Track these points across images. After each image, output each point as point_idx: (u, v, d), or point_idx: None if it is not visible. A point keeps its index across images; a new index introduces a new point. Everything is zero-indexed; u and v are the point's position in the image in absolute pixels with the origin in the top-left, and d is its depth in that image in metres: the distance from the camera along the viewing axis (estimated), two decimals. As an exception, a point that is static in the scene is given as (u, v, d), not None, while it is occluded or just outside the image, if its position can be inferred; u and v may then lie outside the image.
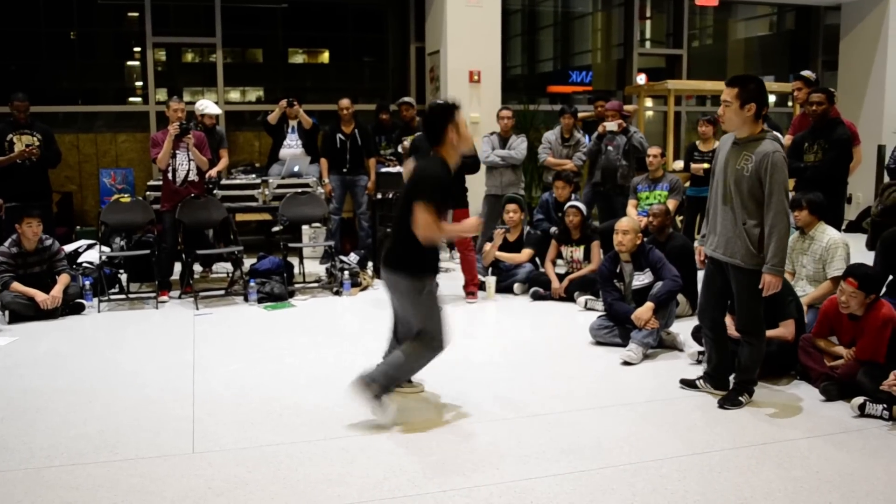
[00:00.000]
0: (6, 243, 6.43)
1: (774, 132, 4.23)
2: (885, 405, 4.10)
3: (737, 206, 4.12)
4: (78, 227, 9.20)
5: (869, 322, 4.36)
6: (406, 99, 9.23)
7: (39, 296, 6.26)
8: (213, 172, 7.86)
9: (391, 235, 4.38)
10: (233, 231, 7.35)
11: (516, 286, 7.26)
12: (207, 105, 8.11)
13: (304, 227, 8.88)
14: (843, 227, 6.29)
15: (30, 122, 7.35)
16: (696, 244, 4.67)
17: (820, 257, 5.39)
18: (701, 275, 4.63)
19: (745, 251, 4.12)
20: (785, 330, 4.72)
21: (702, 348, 5.00)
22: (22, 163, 7.17)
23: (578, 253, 7.07)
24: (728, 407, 4.30)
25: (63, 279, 6.50)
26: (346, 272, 7.34)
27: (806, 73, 6.97)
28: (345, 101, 8.58)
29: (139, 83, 10.56)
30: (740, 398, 4.34)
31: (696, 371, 4.81)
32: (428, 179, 4.08)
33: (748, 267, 4.13)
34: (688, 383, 4.67)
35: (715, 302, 4.42)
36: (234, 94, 11.23)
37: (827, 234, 5.43)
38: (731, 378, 4.50)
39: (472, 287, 7.00)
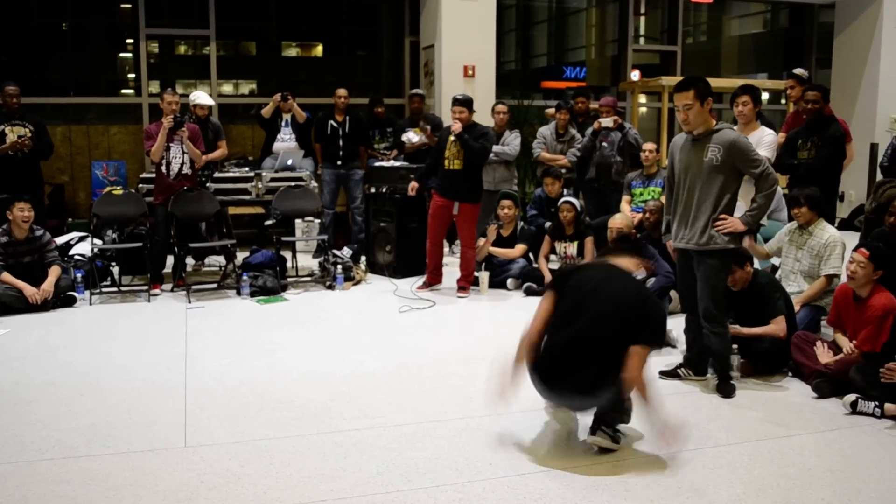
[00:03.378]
0: (-3, 233, 6.39)
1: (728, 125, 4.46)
2: (876, 403, 4.11)
3: (710, 197, 4.29)
4: (70, 220, 9.15)
5: (870, 311, 4.42)
6: (418, 91, 9.20)
7: (28, 290, 6.22)
8: (212, 156, 7.88)
9: (582, 355, 3.55)
10: (227, 224, 7.33)
11: (510, 281, 7.26)
12: (199, 95, 8.08)
13: (297, 221, 8.85)
14: (836, 224, 6.30)
15: (21, 114, 7.30)
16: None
17: (817, 253, 5.39)
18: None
19: (719, 235, 4.29)
20: (776, 326, 4.73)
21: None
22: (14, 154, 7.12)
23: (572, 248, 7.07)
24: (732, 395, 4.43)
25: (54, 271, 6.46)
26: (340, 266, 7.32)
27: (798, 70, 6.99)
28: (342, 91, 8.67)
29: (132, 75, 10.51)
30: (732, 382, 4.48)
31: (677, 363, 4.85)
32: (661, 320, 3.72)
33: (728, 247, 4.30)
34: (668, 373, 4.74)
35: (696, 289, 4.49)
36: (228, 87, 11.20)
37: (827, 231, 5.44)
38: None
39: (465, 283, 7.00)
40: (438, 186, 7.01)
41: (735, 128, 4.82)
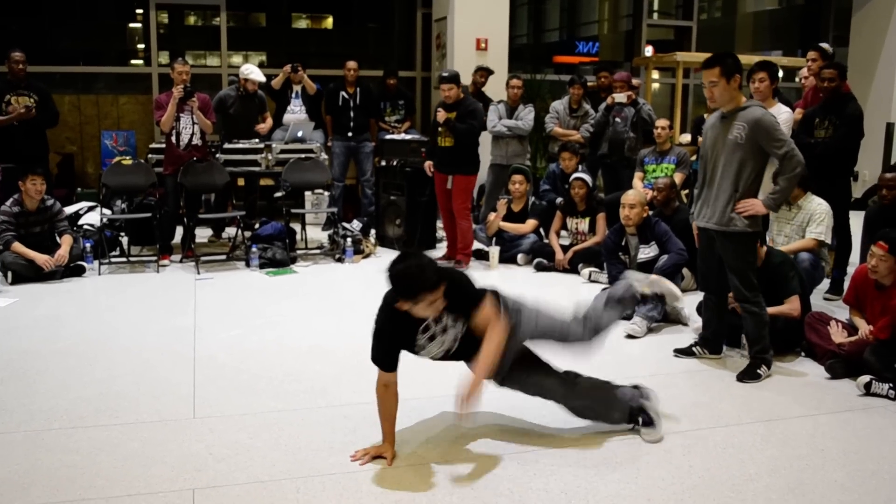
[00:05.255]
0: (7, 203, 6.37)
1: (754, 100, 4.36)
2: (891, 384, 4.06)
3: (731, 175, 4.20)
4: (79, 189, 9.13)
5: (894, 300, 4.31)
6: (485, 66, 8.93)
7: (40, 258, 6.22)
8: (262, 129, 8.08)
9: None
10: (255, 192, 7.38)
11: (520, 257, 7.22)
12: (252, 70, 7.90)
13: (307, 193, 8.82)
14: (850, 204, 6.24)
15: (27, 82, 7.22)
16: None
17: (801, 221, 5.62)
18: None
19: (739, 218, 4.19)
20: (790, 306, 4.67)
21: None
22: (18, 124, 7.05)
23: (583, 225, 7.01)
24: (747, 381, 4.30)
25: (67, 239, 6.45)
26: (349, 239, 7.29)
27: (824, 45, 6.85)
28: (352, 63, 8.62)
29: (141, 45, 10.44)
30: (758, 371, 4.34)
31: (689, 341, 4.83)
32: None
33: (748, 230, 4.19)
34: (683, 351, 4.71)
35: (717, 269, 4.43)
36: (237, 59, 11.11)
37: (814, 201, 5.64)
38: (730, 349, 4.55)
39: (462, 255, 6.96)
40: (435, 161, 6.98)
41: None
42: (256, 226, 7.44)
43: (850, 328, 4.61)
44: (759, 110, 4.15)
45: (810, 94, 6.74)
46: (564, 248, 6.98)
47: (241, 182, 8.10)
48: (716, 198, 4.26)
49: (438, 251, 7.47)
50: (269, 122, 8.23)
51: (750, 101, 4.22)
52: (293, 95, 8.64)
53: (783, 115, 5.62)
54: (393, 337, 3.21)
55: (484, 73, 8.71)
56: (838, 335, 4.54)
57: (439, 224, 7.73)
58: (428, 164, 7.12)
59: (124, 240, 7.45)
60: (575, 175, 7.11)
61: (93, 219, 7.38)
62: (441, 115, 6.72)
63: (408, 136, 8.38)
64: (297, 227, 7.67)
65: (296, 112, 8.59)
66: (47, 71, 9.28)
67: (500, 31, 9.76)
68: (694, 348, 4.69)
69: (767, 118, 4.13)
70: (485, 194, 8.51)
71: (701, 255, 4.55)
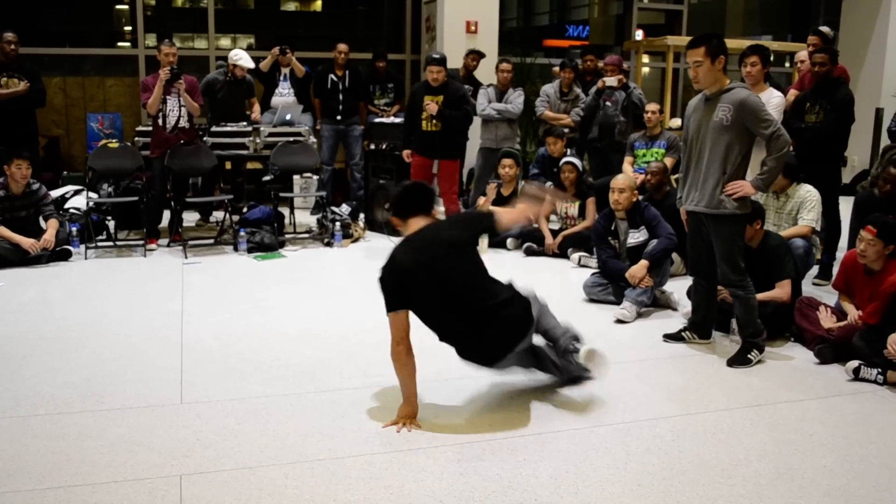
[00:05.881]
0: (-8, 186, 6.31)
1: (742, 82, 4.32)
2: (879, 370, 4.07)
3: (717, 158, 4.17)
4: (65, 173, 9.05)
5: (883, 286, 4.29)
6: (477, 49, 8.86)
7: (26, 241, 6.16)
8: (257, 116, 8.05)
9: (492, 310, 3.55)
10: (243, 176, 7.38)
11: (509, 241, 7.20)
12: (242, 56, 7.80)
13: (296, 177, 8.77)
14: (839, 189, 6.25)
15: (18, 64, 7.16)
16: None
17: (791, 210, 5.68)
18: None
19: (729, 200, 4.16)
20: (781, 291, 4.68)
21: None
22: (9, 105, 6.98)
23: (573, 209, 7.00)
24: (736, 366, 4.30)
25: (53, 223, 6.40)
26: (338, 223, 7.25)
27: (824, 28, 6.82)
28: (342, 46, 8.54)
29: (128, 28, 10.33)
30: (749, 356, 4.33)
31: (678, 326, 4.84)
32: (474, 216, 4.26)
33: (737, 213, 4.18)
34: (673, 336, 4.72)
35: (707, 253, 4.41)
36: (225, 41, 11.02)
37: (803, 188, 5.71)
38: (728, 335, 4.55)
39: None
40: (417, 146, 6.91)
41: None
42: (244, 210, 7.40)
43: (840, 313, 4.62)
44: (743, 91, 4.14)
45: (808, 78, 6.71)
46: (554, 233, 6.97)
47: (228, 165, 8.05)
48: (704, 181, 4.24)
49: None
50: (257, 108, 8.16)
51: (734, 83, 4.21)
52: (281, 78, 8.57)
53: (774, 100, 5.59)
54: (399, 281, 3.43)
55: (476, 56, 8.65)
56: (827, 320, 4.55)
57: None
58: (407, 151, 7.05)
59: (111, 224, 7.39)
60: (565, 159, 7.09)
61: (79, 202, 7.32)
62: (433, 108, 6.67)
63: (397, 120, 8.32)
64: (285, 211, 7.63)
65: (284, 95, 8.53)
66: (34, 53, 9.16)
67: (490, 14, 9.71)
68: (683, 333, 4.69)
69: (752, 99, 4.12)
70: (474, 178, 8.48)
71: (690, 239, 4.54)
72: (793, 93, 6.41)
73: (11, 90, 6.96)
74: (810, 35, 6.76)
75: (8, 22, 8.87)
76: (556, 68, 8.67)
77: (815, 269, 6.09)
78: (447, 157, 6.81)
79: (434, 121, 6.73)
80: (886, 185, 5.39)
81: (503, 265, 6.68)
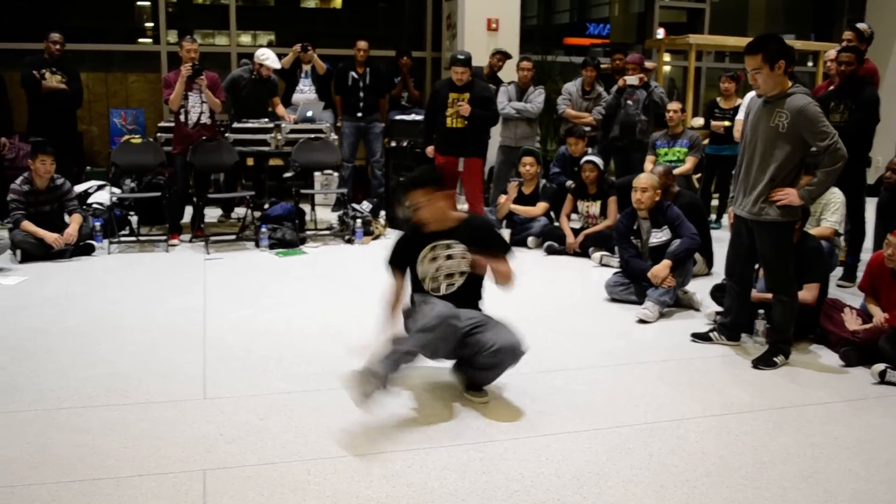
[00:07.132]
0: (18, 181, 6.36)
1: (801, 86, 4.15)
2: (905, 373, 4.03)
3: (768, 164, 4.07)
4: (88, 168, 9.11)
5: None
6: (503, 49, 8.80)
7: (50, 236, 6.21)
8: (283, 112, 8.10)
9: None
10: (264, 172, 7.62)
11: (530, 240, 7.19)
12: (269, 56, 7.80)
13: (316, 174, 8.79)
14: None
15: (62, 63, 7.52)
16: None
17: (814, 211, 5.66)
18: (716, 234, 4.59)
19: (772, 207, 4.08)
20: (807, 293, 4.63)
21: (720, 308, 4.94)
22: (53, 101, 7.38)
23: (594, 208, 6.97)
24: (762, 367, 4.26)
25: (76, 218, 6.45)
26: (359, 220, 7.26)
27: (861, 25, 6.73)
28: (362, 43, 8.56)
29: (150, 24, 10.38)
30: (775, 359, 4.29)
31: (700, 326, 4.83)
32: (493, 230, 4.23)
33: (780, 220, 4.09)
34: (701, 336, 4.68)
35: (745, 258, 4.38)
36: (246, 38, 11.05)
37: (828, 190, 5.54)
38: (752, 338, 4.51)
39: None
40: (440, 144, 6.91)
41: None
42: (266, 206, 7.42)
43: (865, 315, 4.57)
44: (803, 99, 3.97)
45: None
46: (575, 232, 6.95)
47: (250, 162, 8.07)
48: (752, 186, 4.15)
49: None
50: (281, 107, 8.16)
51: (796, 88, 4.03)
52: (302, 75, 8.59)
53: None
54: (405, 245, 3.83)
55: (502, 56, 8.57)
56: (852, 322, 4.51)
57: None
58: (430, 148, 7.05)
59: (134, 219, 7.44)
60: (585, 158, 7.06)
61: (102, 198, 7.36)
62: (466, 109, 6.66)
63: (418, 117, 8.32)
64: (306, 207, 7.64)
65: (305, 92, 8.55)
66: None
67: (511, 12, 9.66)
68: (711, 334, 4.65)
69: (812, 108, 3.95)
70: (494, 176, 8.46)
71: (733, 240, 4.47)
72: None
73: (53, 85, 7.17)
74: (846, 31, 6.66)
75: (32, 18, 8.97)
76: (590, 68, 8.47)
77: (838, 271, 6.04)
78: (473, 155, 6.80)
79: (458, 118, 6.72)
80: (894, 175, 5.37)
81: (524, 264, 6.66)
